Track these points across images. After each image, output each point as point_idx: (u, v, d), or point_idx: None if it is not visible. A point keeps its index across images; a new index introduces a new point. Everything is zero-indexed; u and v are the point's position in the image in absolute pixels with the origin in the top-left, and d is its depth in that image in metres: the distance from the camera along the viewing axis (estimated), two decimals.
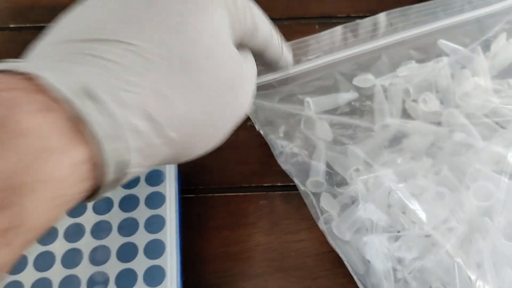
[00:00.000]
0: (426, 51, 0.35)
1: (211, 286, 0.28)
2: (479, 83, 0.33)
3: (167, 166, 0.29)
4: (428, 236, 0.25)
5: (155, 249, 0.26)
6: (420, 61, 0.35)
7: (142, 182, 0.28)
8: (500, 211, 0.23)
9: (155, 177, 0.29)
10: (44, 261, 0.25)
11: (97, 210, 0.27)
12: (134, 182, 0.28)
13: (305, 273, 0.29)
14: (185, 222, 0.30)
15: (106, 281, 0.25)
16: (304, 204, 0.31)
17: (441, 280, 0.23)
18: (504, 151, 0.28)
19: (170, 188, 0.28)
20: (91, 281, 0.25)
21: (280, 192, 0.32)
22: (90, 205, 0.27)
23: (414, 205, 0.25)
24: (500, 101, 0.32)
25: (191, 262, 0.29)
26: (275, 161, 0.32)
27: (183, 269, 0.28)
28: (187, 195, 0.31)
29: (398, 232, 0.26)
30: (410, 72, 0.34)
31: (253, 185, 0.32)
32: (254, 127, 0.33)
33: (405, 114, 0.33)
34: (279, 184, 0.32)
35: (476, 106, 0.32)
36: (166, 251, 0.26)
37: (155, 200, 0.28)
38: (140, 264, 0.25)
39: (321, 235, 0.30)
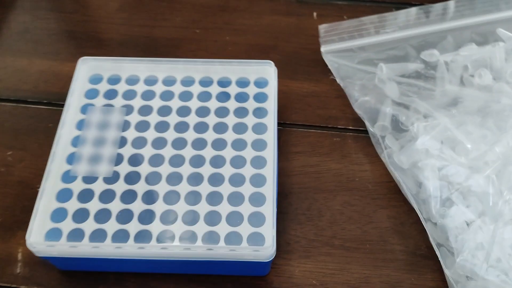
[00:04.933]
0: (486, 36, 0.42)
1: (293, 194, 0.36)
2: None
3: (271, 103, 0.36)
4: (471, 167, 0.32)
5: (260, 163, 0.34)
6: (479, 44, 0.41)
7: (250, 115, 0.36)
8: None
9: (260, 112, 0.36)
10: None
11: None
12: (243, 113, 0.36)
13: (366, 194, 0.36)
14: None
15: (222, 180, 0.33)
16: (370, 144, 0.38)
17: (479, 197, 0.30)
18: None
19: (273, 120, 0.35)
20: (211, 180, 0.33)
21: (351, 134, 0.39)
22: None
23: (463, 140, 0.32)
24: None
25: (278, 174, 0.37)
26: (349, 109, 0.40)
27: None
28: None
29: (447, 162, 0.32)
30: (470, 52, 0.41)
31: (329, 125, 0.40)
32: (335, 80, 0.41)
33: (462, 85, 0.40)
34: (350, 127, 0.39)
35: None
36: (268, 165, 0.33)
37: (260, 128, 0.35)
38: (248, 171, 0.33)
39: (382, 168, 0.37)
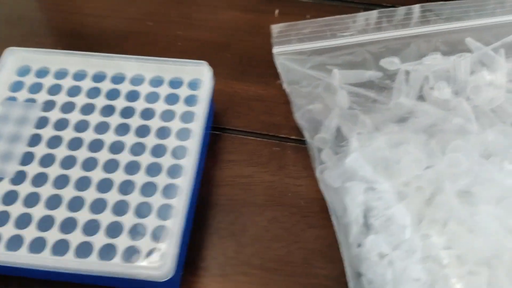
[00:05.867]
0: (453, 46, 0.38)
1: (218, 206, 0.34)
2: (494, 81, 0.36)
3: (202, 107, 0.34)
4: (399, 192, 0.29)
5: (176, 172, 0.31)
6: (445, 53, 0.38)
7: (177, 119, 0.34)
8: (462, 179, 0.27)
9: (188, 116, 0.34)
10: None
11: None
12: (170, 116, 0.34)
13: (297, 210, 0.34)
14: (209, 152, 0.36)
15: (132, 188, 0.31)
16: (310, 157, 0.35)
17: (399, 228, 0.27)
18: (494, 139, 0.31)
19: (200, 125, 0.33)
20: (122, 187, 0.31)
21: (292, 144, 0.37)
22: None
23: (393, 162, 0.29)
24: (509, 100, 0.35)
25: (206, 183, 0.35)
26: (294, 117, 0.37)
27: (200, 188, 0.34)
28: (215, 132, 0.37)
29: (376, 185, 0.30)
30: (433, 62, 0.37)
31: (270, 133, 0.37)
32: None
33: (420, 99, 0.37)
34: (293, 137, 0.37)
35: (484, 100, 0.35)
36: (184, 174, 0.31)
37: (185, 134, 0.33)
38: (162, 180, 0.31)
39: (317, 184, 0.34)
